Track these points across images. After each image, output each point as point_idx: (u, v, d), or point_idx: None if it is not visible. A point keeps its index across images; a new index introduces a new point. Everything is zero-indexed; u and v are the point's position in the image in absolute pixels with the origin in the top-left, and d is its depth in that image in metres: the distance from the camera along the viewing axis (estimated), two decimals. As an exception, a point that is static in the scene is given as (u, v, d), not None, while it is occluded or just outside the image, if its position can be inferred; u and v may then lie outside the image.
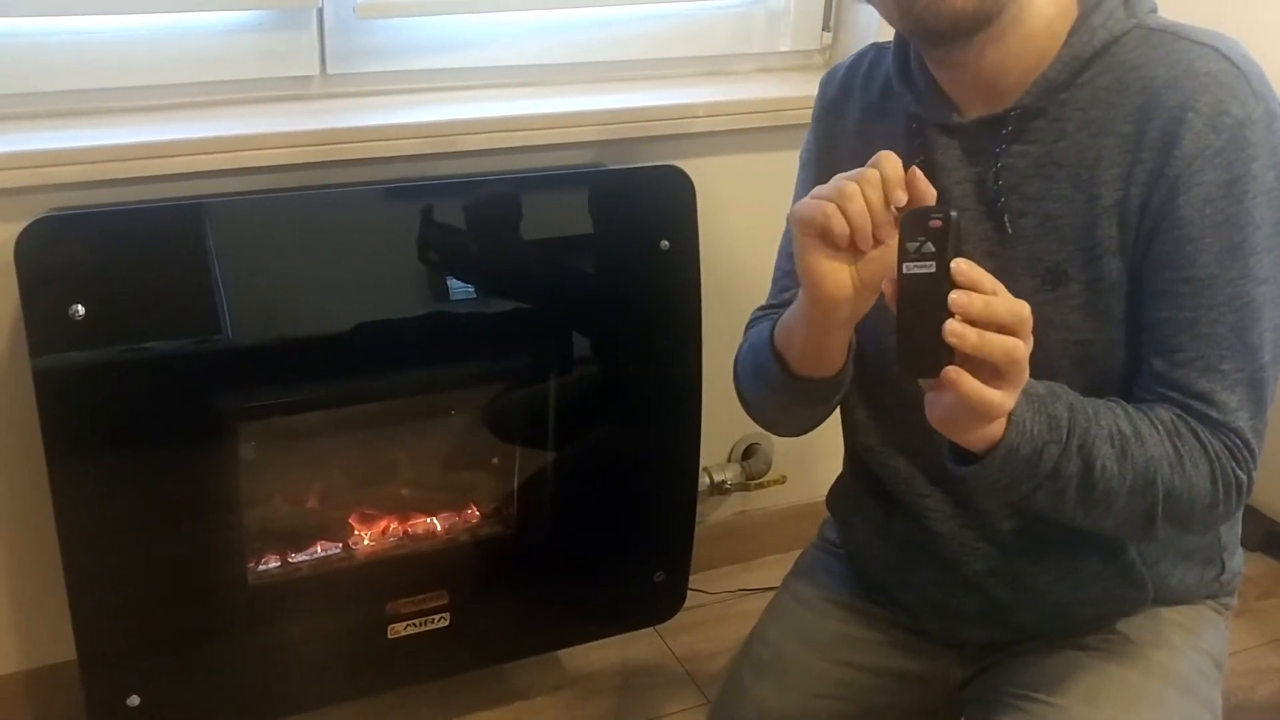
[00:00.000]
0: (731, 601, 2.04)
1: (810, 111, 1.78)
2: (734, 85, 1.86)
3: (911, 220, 0.88)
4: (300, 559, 1.62)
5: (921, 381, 0.92)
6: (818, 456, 2.06)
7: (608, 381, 1.68)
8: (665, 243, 1.63)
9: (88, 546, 1.44)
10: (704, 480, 2.01)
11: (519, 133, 1.65)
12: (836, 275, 0.98)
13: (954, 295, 0.85)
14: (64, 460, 1.40)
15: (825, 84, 1.25)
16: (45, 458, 1.40)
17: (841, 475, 1.35)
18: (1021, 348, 0.87)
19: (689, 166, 1.65)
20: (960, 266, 0.86)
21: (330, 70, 1.65)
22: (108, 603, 1.47)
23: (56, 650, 1.66)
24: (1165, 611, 1.20)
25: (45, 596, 1.62)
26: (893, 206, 0.95)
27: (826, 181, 1.17)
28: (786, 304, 1.18)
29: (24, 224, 1.35)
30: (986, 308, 0.86)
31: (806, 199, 0.97)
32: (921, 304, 0.87)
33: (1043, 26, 1.03)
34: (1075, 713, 1.12)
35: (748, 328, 1.27)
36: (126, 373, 1.41)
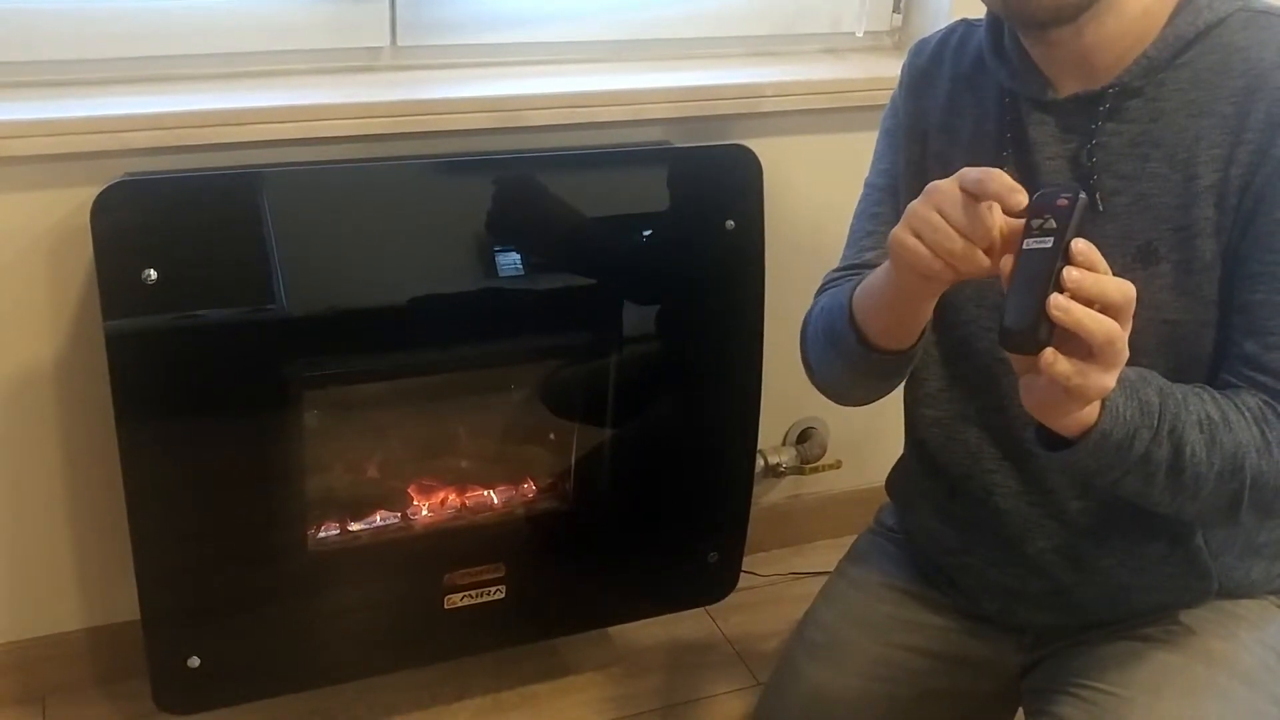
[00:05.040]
0: (783, 584, 2.04)
1: (879, 92, 1.76)
2: (802, 65, 1.85)
3: (1040, 198, 0.88)
4: (359, 528, 1.63)
5: (1016, 362, 0.92)
6: (874, 442, 2.05)
7: (668, 360, 1.68)
8: (731, 222, 1.62)
9: (154, 508, 1.46)
10: (758, 463, 2.00)
11: (587, 109, 1.65)
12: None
13: (1067, 270, 0.84)
14: (133, 423, 1.42)
15: (915, 54, 1.24)
16: (115, 420, 1.41)
17: (902, 458, 1.35)
18: (1120, 331, 0.86)
19: (756, 146, 1.64)
20: (1079, 246, 0.85)
21: (401, 42, 1.66)
22: (172, 565, 1.49)
23: (118, 610, 1.69)
24: (1228, 604, 1.19)
25: (109, 556, 1.65)
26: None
27: (910, 149, 1.15)
28: (864, 265, 1.18)
29: (100, 188, 1.37)
30: (1097, 284, 0.85)
31: (900, 229, 0.95)
32: (1033, 279, 0.86)
33: (1141, 10, 1.02)
34: (1140, 703, 1.11)
35: (820, 291, 1.26)
36: (196, 338, 1.42)
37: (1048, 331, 0.85)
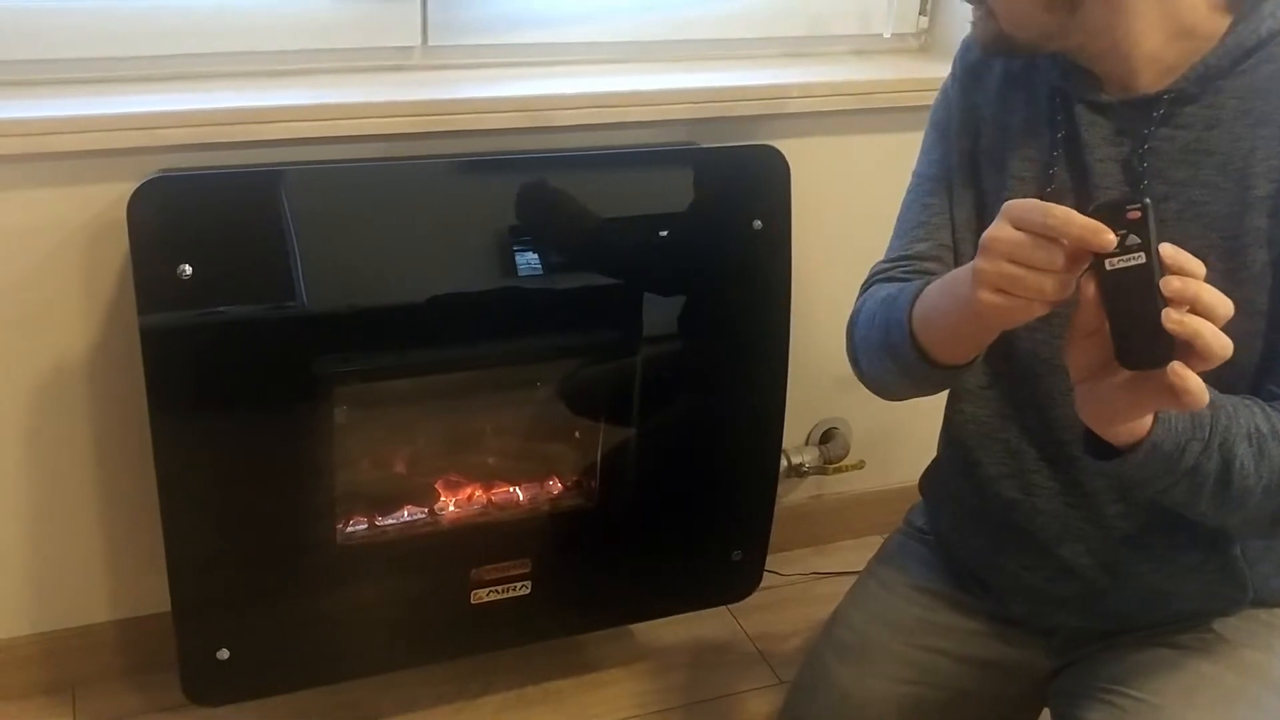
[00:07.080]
0: (805, 584, 2.04)
1: (906, 94, 1.77)
2: (829, 66, 1.86)
3: (1107, 215, 0.85)
4: (387, 522, 1.64)
5: (1075, 369, 0.91)
6: (897, 443, 2.06)
7: (694, 359, 1.69)
8: (758, 222, 1.63)
9: (186, 502, 1.47)
10: (782, 462, 2.01)
11: (614, 109, 1.66)
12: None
13: (1165, 279, 0.83)
14: (166, 417, 1.43)
15: (966, 50, 1.23)
16: (148, 414, 1.42)
17: (936, 459, 1.35)
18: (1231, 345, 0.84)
19: (782, 147, 1.64)
20: (1168, 250, 0.84)
21: (431, 41, 1.66)
22: (203, 558, 1.50)
23: (148, 602, 1.70)
24: (1263, 614, 1.19)
25: (140, 549, 1.66)
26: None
27: (962, 143, 1.16)
28: (915, 257, 1.18)
29: (135, 184, 1.38)
30: (1200, 293, 0.83)
31: (981, 292, 0.91)
32: (1135, 296, 0.84)
33: (1175, 31, 1.02)
34: (1170, 711, 1.11)
35: (867, 283, 1.25)
36: (229, 333, 1.43)
37: (1169, 345, 0.84)
